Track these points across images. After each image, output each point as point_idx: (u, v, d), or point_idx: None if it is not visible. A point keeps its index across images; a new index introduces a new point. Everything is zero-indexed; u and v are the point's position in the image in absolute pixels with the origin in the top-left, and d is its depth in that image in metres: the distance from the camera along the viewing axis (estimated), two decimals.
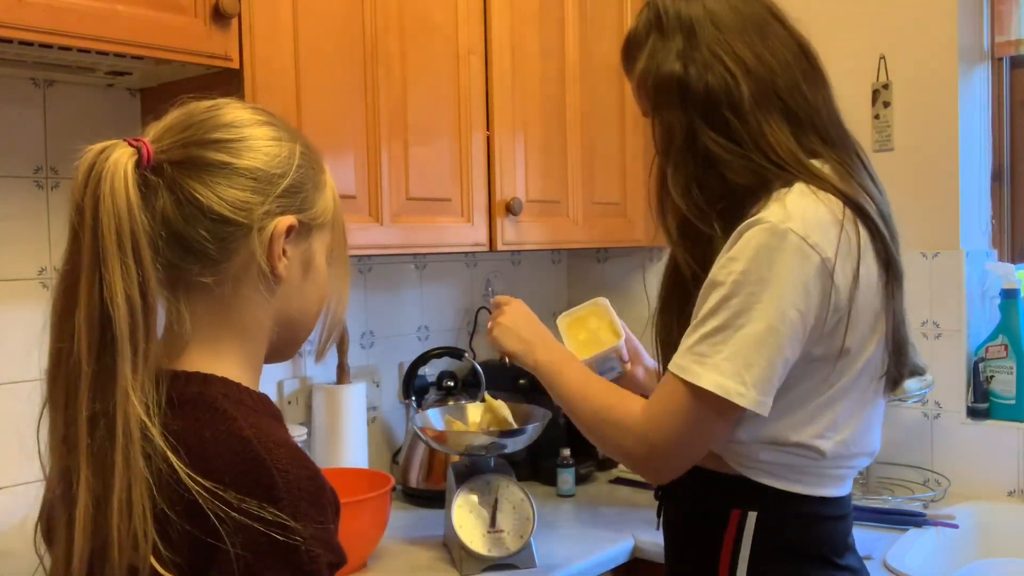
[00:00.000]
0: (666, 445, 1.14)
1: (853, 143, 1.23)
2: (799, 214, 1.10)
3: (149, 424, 0.76)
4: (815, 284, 1.09)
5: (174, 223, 0.82)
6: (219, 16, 1.45)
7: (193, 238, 0.83)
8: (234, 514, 0.73)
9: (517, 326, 1.41)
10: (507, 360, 1.44)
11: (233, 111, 0.88)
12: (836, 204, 1.13)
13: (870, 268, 1.14)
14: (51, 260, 1.65)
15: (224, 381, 0.84)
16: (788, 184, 1.14)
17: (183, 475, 0.74)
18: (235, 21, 1.48)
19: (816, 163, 1.17)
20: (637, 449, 1.17)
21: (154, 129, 0.86)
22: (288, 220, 0.86)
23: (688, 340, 1.13)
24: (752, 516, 1.18)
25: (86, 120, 1.68)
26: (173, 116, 0.87)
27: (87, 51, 1.35)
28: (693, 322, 1.14)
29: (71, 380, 0.78)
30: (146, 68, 1.51)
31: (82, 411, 0.77)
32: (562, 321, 1.54)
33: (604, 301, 1.54)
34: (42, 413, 0.81)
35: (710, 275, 1.13)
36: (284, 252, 0.87)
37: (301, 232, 0.88)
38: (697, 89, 1.18)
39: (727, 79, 1.17)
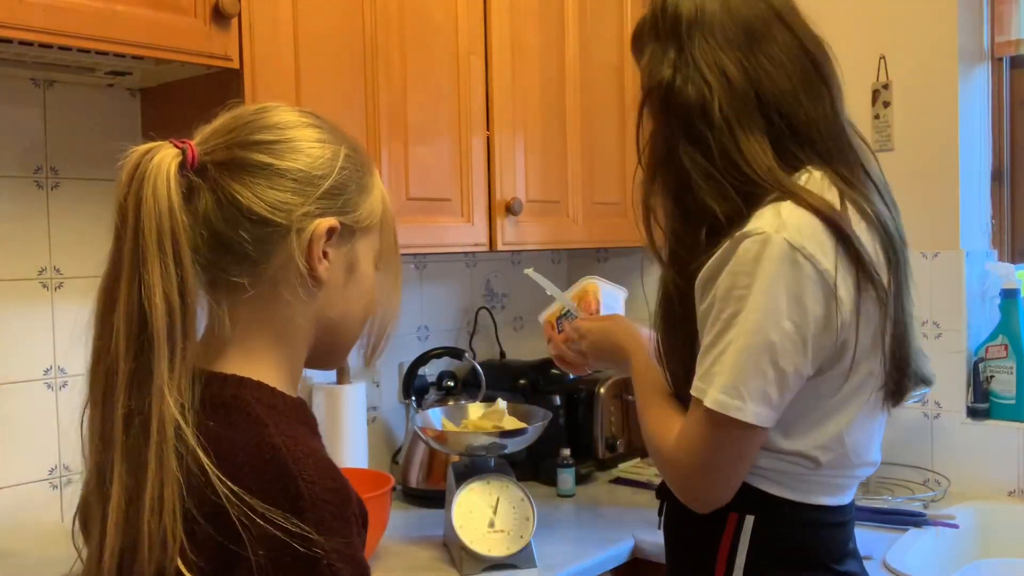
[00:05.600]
0: (694, 471, 1.13)
1: (858, 155, 1.18)
2: (794, 223, 1.07)
3: (182, 424, 0.76)
4: (813, 296, 1.06)
5: (215, 224, 0.82)
6: (219, 16, 1.45)
7: (233, 239, 0.82)
8: (259, 522, 0.73)
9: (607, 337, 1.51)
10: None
11: (279, 114, 0.87)
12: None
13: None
14: (51, 260, 1.65)
15: (259, 385, 0.83)
16: (765, 198, 1.11)
17: (213, 477, 0.74)
18: (235, 21, 1.49)
19: (804, 176, 1.12)
20: (674, 479, 1.17)
21: (202, 132, 0.86)
22: (329, 222, 0.85)
23: (702, 360, 1.11)
24: (750, 520, 1.17)
25: (86, 120, 1.68)
26: (221, 119, 0.87)
27: (87, 51, 1.35)
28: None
29: (109, 377, 0.78)
30: (146, 68, 1.51)
31: (118, 408, 0.77)
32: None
33: (594, 280, 1.65)
34: (84, 409, 0.81)
35: (711, 290, 1.11)
36: (325, 255, 0.85)
37: (343, 235, 0.87)
38: (679, 100, 1.16)
39: (704, 91, 1.14)
